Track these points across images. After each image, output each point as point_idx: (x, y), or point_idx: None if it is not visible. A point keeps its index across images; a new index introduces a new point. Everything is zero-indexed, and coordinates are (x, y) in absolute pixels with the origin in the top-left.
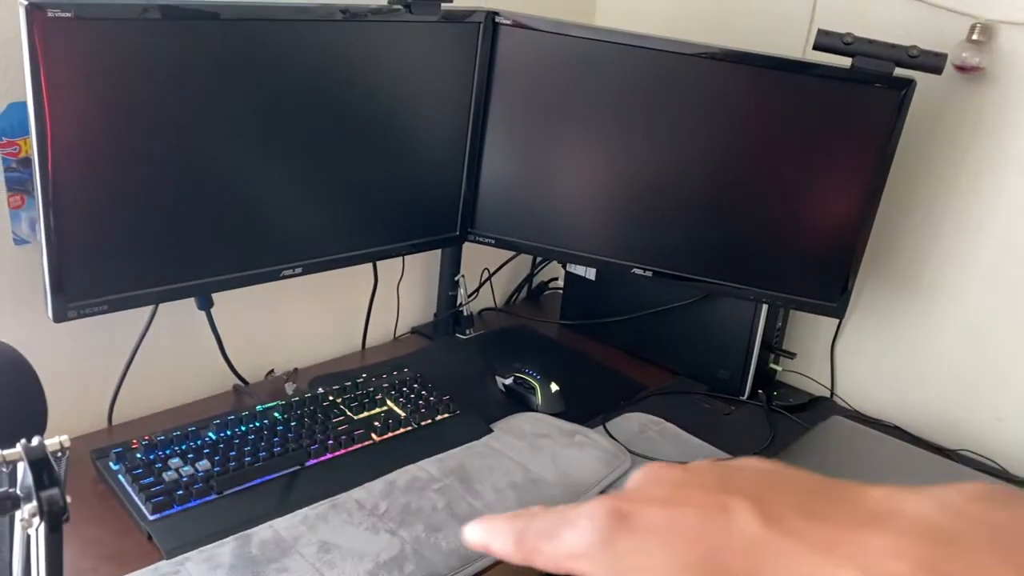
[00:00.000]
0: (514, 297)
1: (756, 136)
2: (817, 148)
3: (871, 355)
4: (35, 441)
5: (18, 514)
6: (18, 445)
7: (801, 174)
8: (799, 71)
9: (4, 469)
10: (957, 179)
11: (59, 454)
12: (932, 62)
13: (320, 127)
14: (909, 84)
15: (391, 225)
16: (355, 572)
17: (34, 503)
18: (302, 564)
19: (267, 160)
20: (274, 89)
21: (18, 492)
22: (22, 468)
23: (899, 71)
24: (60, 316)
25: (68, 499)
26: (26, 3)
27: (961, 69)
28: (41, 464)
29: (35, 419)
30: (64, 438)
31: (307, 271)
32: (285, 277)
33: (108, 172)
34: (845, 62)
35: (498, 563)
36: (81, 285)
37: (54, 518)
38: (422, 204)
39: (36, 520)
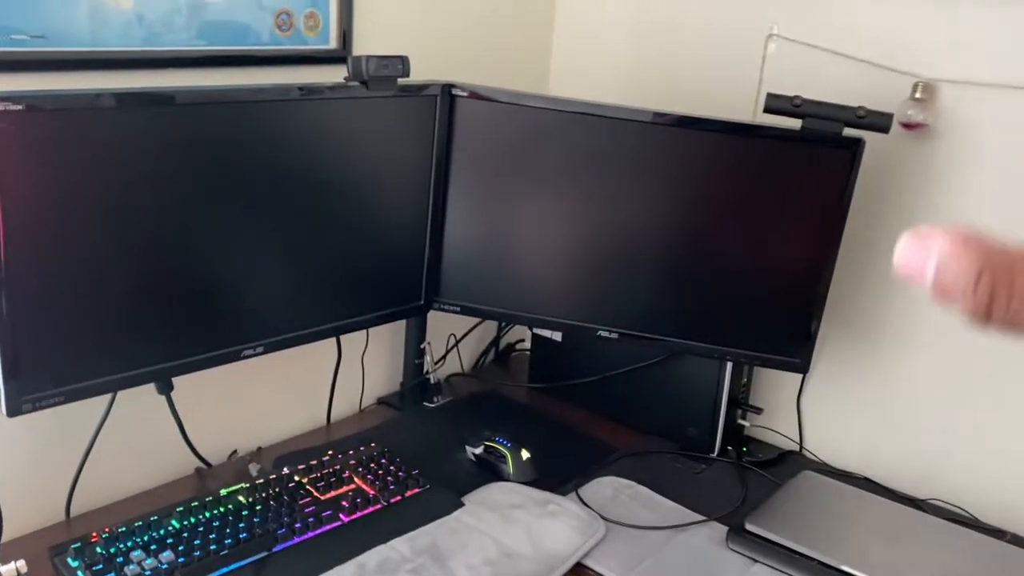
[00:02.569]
0: (481, 360)
1: (712, 198)
2: (772, 208)
3: (837, 408)
4: None
5: None
6: None
7: (758, 234)
8: (750, 134)
9: None
10: None
11: None
12: (879, 122)
13: (281, 206)
14: (858, 143)
15: (355, 298)
16: None
17: None
18: None
19: (227, 241)
20: (233, 172)
21: None
22: None
23: (848, 131)
24: (14, 410)
25: None
26: None
27: (907, 126)
28: None
29: None
30: (20, 563)
31: (268, 350)
32: (246, 357)
33: (63, 260)
34: (795, 124)
35: None
36: (36, 377)
37: None
38: (386, 276)
39: None
